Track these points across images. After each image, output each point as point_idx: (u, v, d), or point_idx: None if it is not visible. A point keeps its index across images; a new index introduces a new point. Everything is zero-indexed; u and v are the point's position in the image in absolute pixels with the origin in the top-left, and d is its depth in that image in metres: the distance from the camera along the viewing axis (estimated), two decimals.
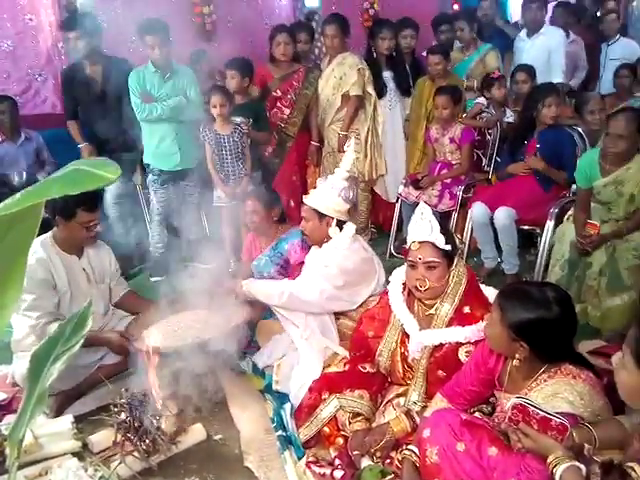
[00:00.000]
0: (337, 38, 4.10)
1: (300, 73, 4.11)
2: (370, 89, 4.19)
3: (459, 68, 4.57)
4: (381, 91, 4.28)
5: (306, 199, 2.63)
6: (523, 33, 4.73)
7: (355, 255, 2.55)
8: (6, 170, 3.97)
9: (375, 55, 4.30)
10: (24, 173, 3.96)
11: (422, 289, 2.02)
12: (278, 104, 4.10)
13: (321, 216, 2.56)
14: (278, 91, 4.09)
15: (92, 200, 2.50)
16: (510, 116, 4.12)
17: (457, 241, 2.11)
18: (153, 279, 3.92)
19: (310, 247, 2.72)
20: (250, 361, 2.72)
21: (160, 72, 3.71)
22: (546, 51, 4.52)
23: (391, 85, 4.35)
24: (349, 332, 2.54)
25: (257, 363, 2.65)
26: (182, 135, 3.83)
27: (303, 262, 2.73)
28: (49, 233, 2.55)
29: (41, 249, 2.47)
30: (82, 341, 1.30)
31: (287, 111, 4.11)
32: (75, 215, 2.43)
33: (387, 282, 2.58)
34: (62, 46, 4.73)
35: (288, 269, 2.93)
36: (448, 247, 2.01)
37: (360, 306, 2.56)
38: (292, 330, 2.53)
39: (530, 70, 4.06)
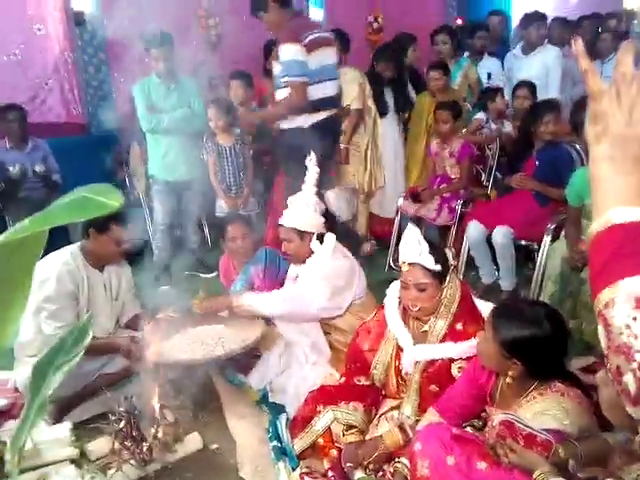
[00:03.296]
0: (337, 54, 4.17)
1: None
2: (370, 103, 4.25)
3: None
4: (384, 110, 4.34)
5: (283, 220, 2.66)
6: (518, 50, 4.78)
7: (340, 263, 2.60)
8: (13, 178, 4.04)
9: (377, 74, 4.36)
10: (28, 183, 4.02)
11: (414, 310, 2.06)
12: None
13: (301, 234, 2.61)
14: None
15: (126, 216, 2.53)
16: (508, 125, 4.19)
17: (451, 257, 2.10)
18: (160, 289, 3.97)
19: (275, 271, 2.82)
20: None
21: (164, 83, 3.77)
22: (543, 68, 4.57)
23: (390, 103, 4.43)
24: (340, 346, 2.60)
25: (252, 384, 2.66)
26: (187, 146, 3.89)
27: (262, 289, 2.77)
28: (77, 244, 2.56)
29: (71, 260, 2.48)
30: (83, 351, 1.34)
31: None
32: (109, 229, 2.46)
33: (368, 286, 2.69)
34: (69, 55, 4.81)
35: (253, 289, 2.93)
36: (438, 267, 2.01)
37: (346, 311, 2.61)
38: (299, 353, 2.59)
39: (531, 86, 4.12)
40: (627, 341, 0.68)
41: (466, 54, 4.93)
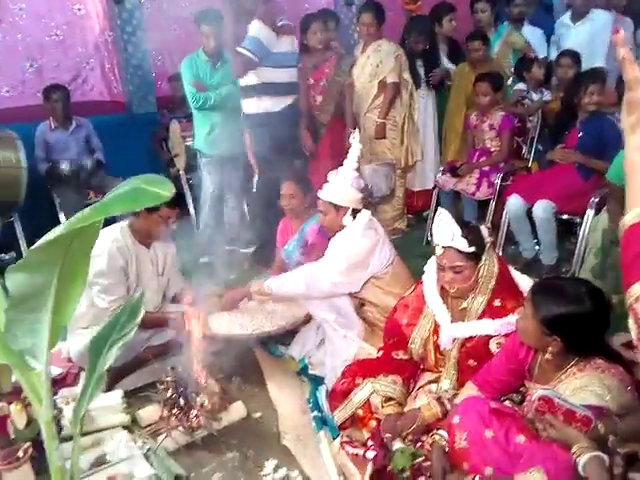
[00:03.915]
0: (373, 27, 4.12)
1: (332, 60, 4.15)
2: (406, 75, 4.20)
3: None
4: (416, 83, 4.29)
5: (321, 194, 2.70)
6: (567, 18, 4.62)
7: (365, 240, 2.62)
8: (58, 156, 4.17)
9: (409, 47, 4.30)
10: (72, 161, 4.14)
11: (451, 291, 2.07)
12: (311, 92, 4.14)
13: (337, 208, 2.65)
14: (310, 79, 4.13)
15: (175, 196, 2.59)
16: (547, 94, 4.09)
17: (486, 234, 2.07)
18: (202, 260, 4.10)
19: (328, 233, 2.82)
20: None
21: (211, 60, 3.82)
22: (591, 35, 4.42)
23: (422, 75, 4.37)
24: (374, 319, 2.65)
25: (293, 355, 2.76)
26: (231, 122, 3.95)
27: (315, 245, 2.85)
28: (126, 221, 2.66)
29: (120, 237, 2.59)
30: (136, 327, 1.42)
31: (319, 98, 4.15)
32: (158, 208, 2.54)
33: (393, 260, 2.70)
34: (109, 34, 4.89)
35: (310, 251, 3.01)
36: (472, 249, 2.00)
37: (367, 285, 2.64)
38: (328, 328, 2.64)
39: (575, 55, 3.99)
40: None
41: (506, 23, 4.78)
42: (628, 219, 0.75)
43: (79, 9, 4.69)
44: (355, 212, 2.67)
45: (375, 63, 4.13)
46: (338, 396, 2.28)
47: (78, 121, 4.26)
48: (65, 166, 4.09)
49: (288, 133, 3.45)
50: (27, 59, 4.59)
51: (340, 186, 2.67)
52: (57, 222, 4.03)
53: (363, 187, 2.76)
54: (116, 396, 2.43)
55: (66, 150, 4.19)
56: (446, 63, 4.54)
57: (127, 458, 2.09)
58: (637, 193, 0.75)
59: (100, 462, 2.10)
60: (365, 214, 2.69)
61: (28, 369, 1.23)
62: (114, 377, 2.61)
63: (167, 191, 0.91)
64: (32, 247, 1.03)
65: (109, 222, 2.65)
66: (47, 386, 1.22)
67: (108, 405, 2.39)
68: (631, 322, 0.73)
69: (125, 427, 2.31)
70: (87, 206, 3.63)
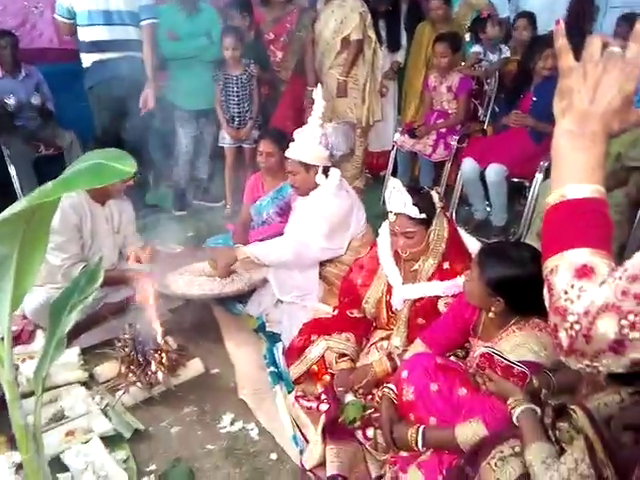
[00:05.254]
0: None
1: (294, 15, 4.05)
2: (371, 33, 4.15)
3: None
4: (378, 41, 4.25)
5: (289, 153, 2.68)
6: None
7: (340, 201, 2.66)
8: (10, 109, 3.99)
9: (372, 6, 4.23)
10: (20, 102, 3.97)
11: (404, 255, 2.14)
12: (271, 47, 4.07)
13: (307, 167, 2.65)
14: (271, 34, 4.04)
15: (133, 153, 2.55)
16: (507, 51, 4.15)
17: (437, 199, 2.12)
18: (177, 213, 4.14)
19: None
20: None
21: (185, 10, 3.71)
22: None
23: (384, 36, 4.33)
24: (333, 279, 2.71)
25: (250, 312, 2.81)
26: (204, 75, 3.87)
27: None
28: None
29: (74, 194, 2.53)
30: (95, 292, 1.44)
31: (280, 54, 4.08)
32: None
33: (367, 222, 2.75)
34: None
35: (287, 212, 3.02)
36: (423, 216, 2.06)
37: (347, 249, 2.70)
38: (284, 293, 2.70)
39: (531, 17, 4.04)
40: (564, 304, 0.77)
41: None
42: (549, 201, 0.83)
43: None
44: (325, 170, 2.68)
45: (339, 19, 4.06)
46: (294, 353, 2.36)
47: (27, 69, 4.07)
48: (12, 102, 3.92)
49: (111, 90, 3.53)
50: None
51: (308, 144, 2.64)
52: (7, 174, 3.90)
53: (330, 143, 2.75)
54: (73, 353, 2.43)
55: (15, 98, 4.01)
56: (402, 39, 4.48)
57: (85, 413, 2.12)
58: (560, 175, 0.82)
59: (58, 417, 2.13)
60: (336, 173, 2.70)
61: None
62: (71, 334, 2.59)
63: (129, 167, 0.92)
64: None
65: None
66: (9, 349, 1.24)
67: (65, 362, 2.39)
68: (545, 292, 0.82)
69: (83, 384, 2.33)
70: (38, 159, 3.49)
